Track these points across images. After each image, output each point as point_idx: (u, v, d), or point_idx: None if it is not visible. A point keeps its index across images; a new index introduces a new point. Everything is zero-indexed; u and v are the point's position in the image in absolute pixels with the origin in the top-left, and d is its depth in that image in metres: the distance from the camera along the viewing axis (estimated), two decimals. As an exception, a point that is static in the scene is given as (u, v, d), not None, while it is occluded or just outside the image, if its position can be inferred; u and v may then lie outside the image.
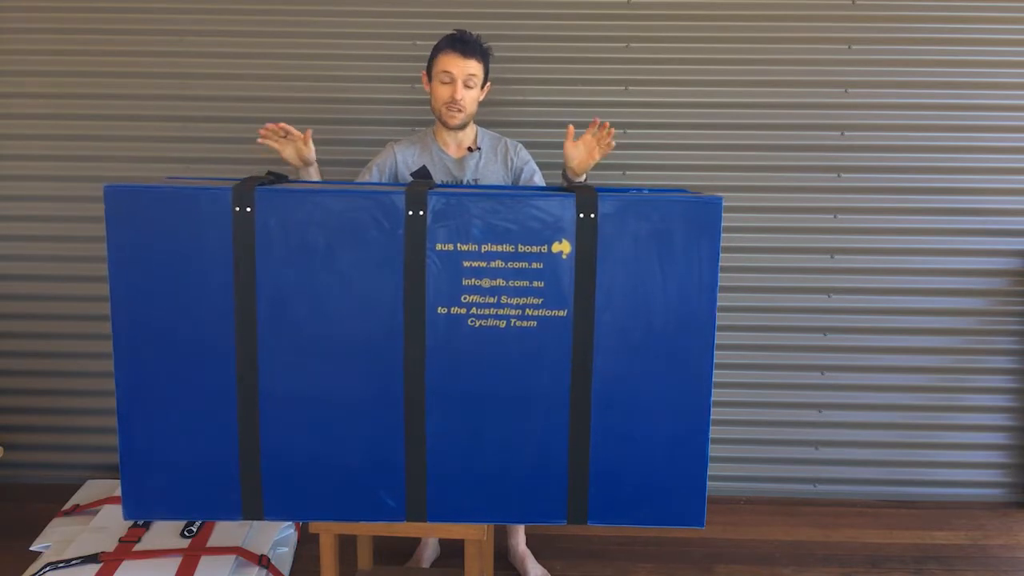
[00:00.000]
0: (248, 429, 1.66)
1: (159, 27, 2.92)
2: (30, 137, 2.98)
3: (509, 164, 2.41)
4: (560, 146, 2.90)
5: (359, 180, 2.37)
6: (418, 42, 2.33)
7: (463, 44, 2.25)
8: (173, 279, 1.62)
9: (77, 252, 3.00)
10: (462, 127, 2.33)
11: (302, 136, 2.18)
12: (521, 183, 2.41)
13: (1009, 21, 2.87)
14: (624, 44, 2.92)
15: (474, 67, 2.26)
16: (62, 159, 2.98)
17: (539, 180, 2.45)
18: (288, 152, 2.19)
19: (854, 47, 2.90)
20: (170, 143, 2.97)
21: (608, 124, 2.12)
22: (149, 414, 1.66)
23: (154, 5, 2.91)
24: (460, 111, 2.28)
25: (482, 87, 2.34)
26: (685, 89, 2.93)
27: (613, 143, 2.15)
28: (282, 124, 2.16)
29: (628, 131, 2.94)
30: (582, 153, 2.17)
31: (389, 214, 1.60)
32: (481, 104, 2.38)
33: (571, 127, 2.18)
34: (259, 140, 2.16)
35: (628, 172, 2.95)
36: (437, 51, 2.29)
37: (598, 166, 2.91)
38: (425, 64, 2.36)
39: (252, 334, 1.63)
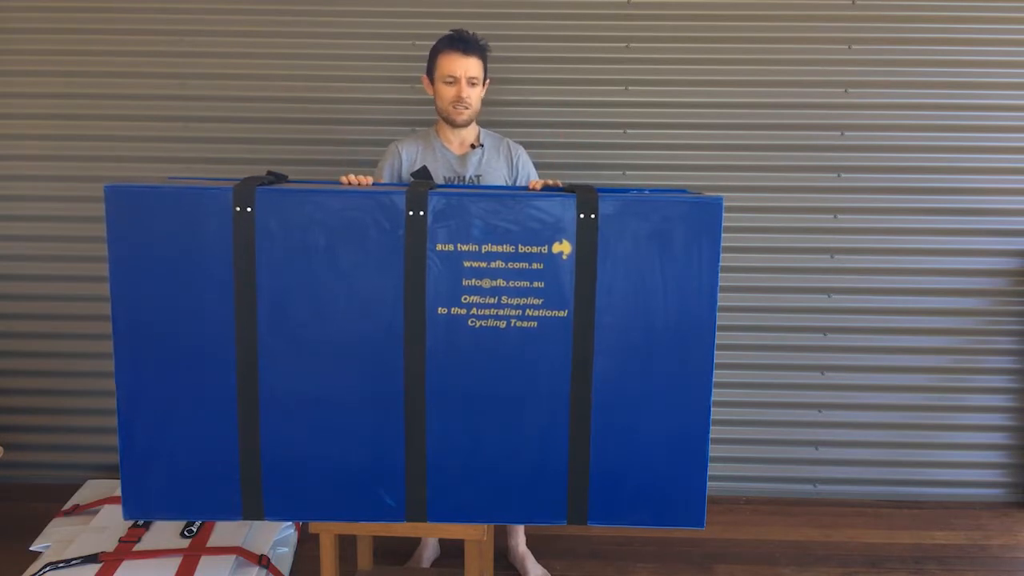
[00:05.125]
0: (248, 429, 1.66)
1: (159, 27, 2.92)
2: (30, 137, 2.98)
3: (511, 163, 2.42)
4: (559, 146, 2.93)
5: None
6: (417, 42, 2.33)
7: (464, 43, 2.26)
8: (173, 279, 1.62)
9: (77, 252, 3.00)
10: (468, 124, 2.35)
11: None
12: (519, 183, 2.41)
13: (1009, 21, 2.87)
14: (624, 44, 2.92)
15: (475, 65, 2.28)
16: (62, 159, 2.98)
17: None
18: None
19: (854, 47, 2.90)
20: (170, 143, 2.97)
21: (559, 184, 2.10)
22: (149, 414, 1.66)
23: (154, 5, 2.91)
24: (467, 108, 2.30)
25: (483, 83, 2.35)
26: (685, 89, 2.93)
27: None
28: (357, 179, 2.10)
29: (628, 131, 2.94)
30: None
31: (389, 214, 1.60)
32: (482, 104, 2.38)
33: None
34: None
35: (628, 172, 2.95)
36: (437, 52, 2.30)
37: (598, 166, 2.94)
38: (425, 64, 2.36)
39: (252, 334, 1.63)
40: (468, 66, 2.26)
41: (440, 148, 2.38)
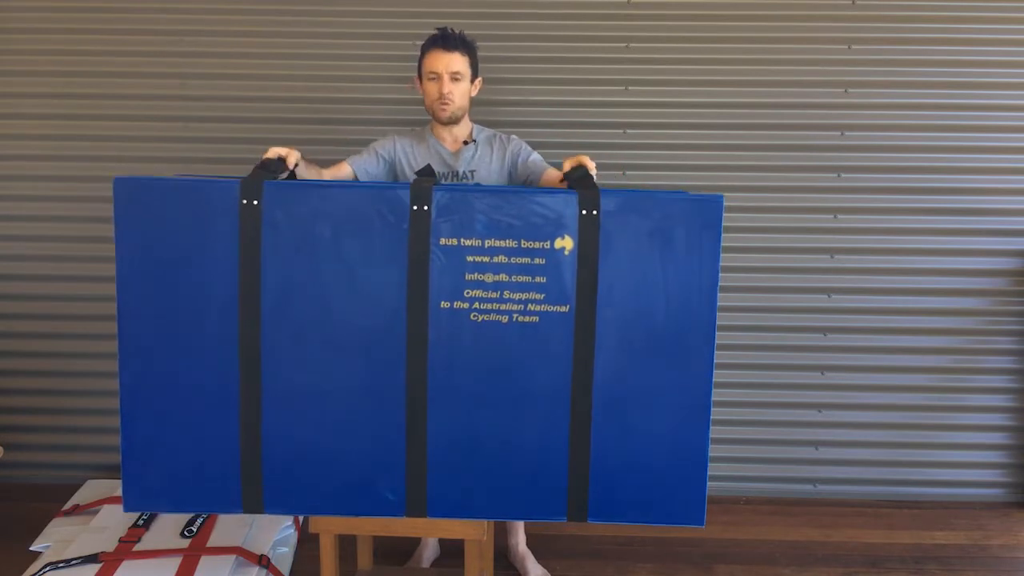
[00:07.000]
0: (250, 421, 1.66)
1: (159, 27, 2.92)
2: (31, 137, 2.98)
3: (504, 153, 2.42)
4: (559, 146, 2.93)
5: (356, 158, 2.36)
6: (417, 42, 2.33)
7: (444, 40, 2.29)
8: (180, 270, 1.62)
9: (77, 252, 3.00)
10: (454, 120, 2.35)
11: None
12: (520, 165, 2.39)
13: (1009, 21, 2.88)
14: (624, 44, 2.92)
15: (458, 60, 2.28)
16: (62, 159, 2.98)
17: (536, 158, 2.43)
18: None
19: (854, 47, 2.91)
20: (170, 143, 2.97)
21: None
22: (152, 405, 1.65)
23: (154, 5, 2.91)
24: (448, 104, 2.30)
25: (472, 80, 2.35)
26: (685, 89, 2.93)
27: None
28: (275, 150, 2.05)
29: (628, 131, 2.95)
30: None
31: (394, 208, 1.61)
32: (481, 104, 2.38)
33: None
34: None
35: (628, 172, 2.95)
36: (423, 52, 2.33)
37: (598, 166, 2.93)
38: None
39: (256, 326, 1.63)
40: (449, 61, 2.27)
41: (434, 143, 2.39)
